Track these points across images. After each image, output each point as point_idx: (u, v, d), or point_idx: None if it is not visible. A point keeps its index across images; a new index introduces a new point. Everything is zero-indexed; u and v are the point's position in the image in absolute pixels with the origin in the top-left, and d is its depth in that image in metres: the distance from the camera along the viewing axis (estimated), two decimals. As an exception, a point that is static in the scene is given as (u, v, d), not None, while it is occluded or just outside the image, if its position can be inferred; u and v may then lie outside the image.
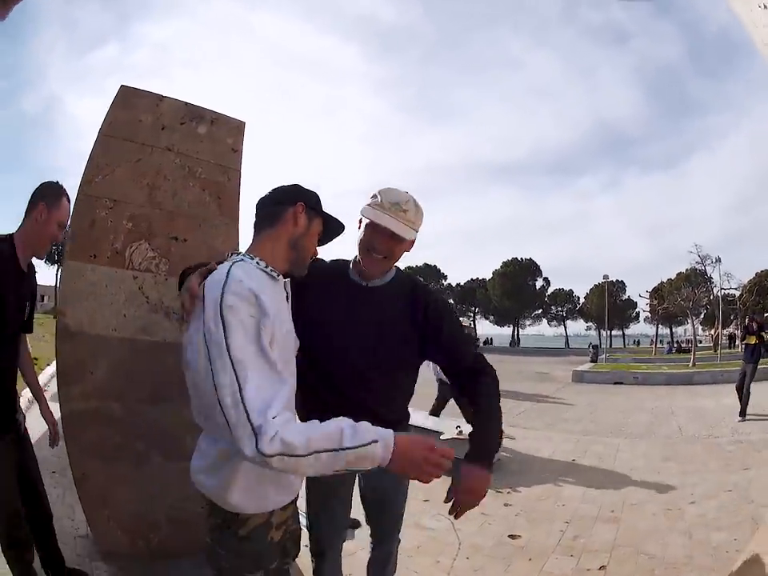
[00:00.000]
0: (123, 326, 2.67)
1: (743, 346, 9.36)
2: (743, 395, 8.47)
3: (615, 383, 16.01)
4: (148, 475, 2.72)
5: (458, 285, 71.71)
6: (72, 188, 2.62)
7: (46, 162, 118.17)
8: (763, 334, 8.84)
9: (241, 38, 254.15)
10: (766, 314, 10.17)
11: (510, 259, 66.93)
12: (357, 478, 2.01)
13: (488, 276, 68.52)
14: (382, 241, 1.74)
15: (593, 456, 6.34)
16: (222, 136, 3.05)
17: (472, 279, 71.59)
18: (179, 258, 2.78)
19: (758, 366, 8.79)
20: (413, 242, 1.81)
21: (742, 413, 8.38)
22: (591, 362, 25.75)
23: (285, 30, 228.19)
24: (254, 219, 1.55)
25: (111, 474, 2.69)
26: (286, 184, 1.58)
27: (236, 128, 3.10)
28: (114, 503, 2.72)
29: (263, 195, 1.56)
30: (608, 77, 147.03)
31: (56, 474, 3.92)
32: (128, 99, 2.82)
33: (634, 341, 71.38)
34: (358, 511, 2.14)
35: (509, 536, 3.79)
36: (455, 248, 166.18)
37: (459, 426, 5.71)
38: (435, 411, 6.92)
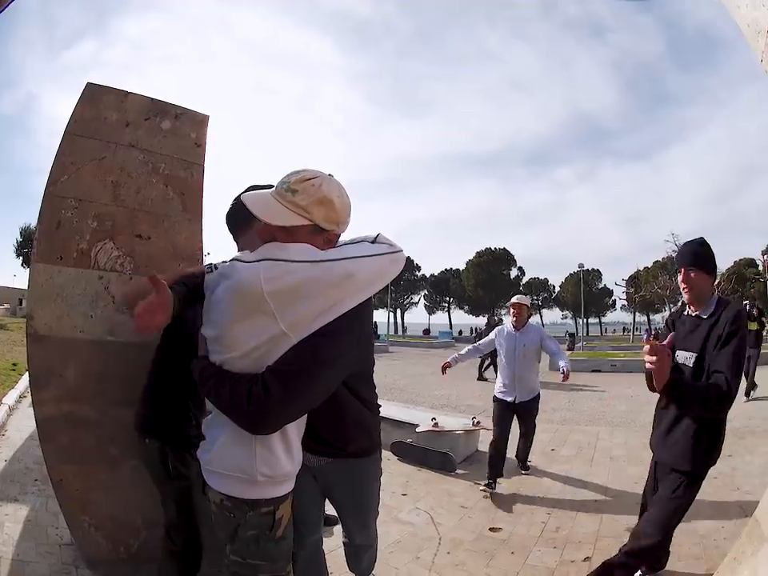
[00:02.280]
0: (90, 328, 2.64)
1: None
2: (749, 377, 8.89)
3: (593, 371, 16.14)
4: (123, 479, 2.69)
5: (431, 275, 72.21)
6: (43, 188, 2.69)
7: (23, 162, 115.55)
8: (763, 320, 9.49)
9: (218, 33, 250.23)
10: (744, 302, 10.42)
11: (483, 249, 67.46)
12: (313, 476, 1.87)
13: (462, 267, 68.91)
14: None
15: (572, 445, 6.34)
16: (185, 131, 3.03)
17: (446, 270, 72.17)
18: (144, 256, 2.79)
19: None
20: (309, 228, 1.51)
21: (747, 393, 8.88)
22: (568, 350, 25.96)
23: (262, 25, 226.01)
24: None
25: (87, 478, 2.68)
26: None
27: (200, 122, 3.09)
28: (92, 508, 2.70)
29: None
30: (586, 70, 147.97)
31: (38, 482, 3.87)
32: (94, 96, 2.81)
33: (622, 328, 72.06)
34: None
35: (490, 529, 3.72)
36: (430, 239, 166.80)
37: (435, 418, 5.70)
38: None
